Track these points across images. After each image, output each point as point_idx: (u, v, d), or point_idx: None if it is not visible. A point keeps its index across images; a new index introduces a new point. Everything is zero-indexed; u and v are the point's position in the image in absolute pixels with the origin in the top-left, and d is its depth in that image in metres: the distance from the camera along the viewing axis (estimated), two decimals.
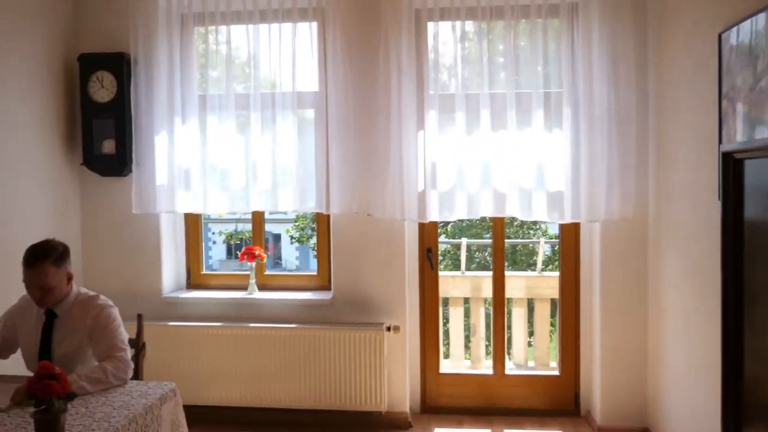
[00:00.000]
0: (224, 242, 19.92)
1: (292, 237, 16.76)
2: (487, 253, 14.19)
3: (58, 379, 2.13)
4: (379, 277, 4.26)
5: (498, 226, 4.48)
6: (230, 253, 20.28)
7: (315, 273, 4.62)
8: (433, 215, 4.06)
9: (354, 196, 4.11)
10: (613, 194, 3.88)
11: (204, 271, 4.71)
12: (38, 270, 2.72)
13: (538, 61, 3.94)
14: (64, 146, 4.29)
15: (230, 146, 4.19)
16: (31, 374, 2.90)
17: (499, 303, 4.50)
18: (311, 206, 4.18)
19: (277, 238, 19.71)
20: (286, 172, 4.18)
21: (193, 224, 4.67)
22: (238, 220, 18.79)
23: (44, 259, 2.73)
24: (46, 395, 2.09)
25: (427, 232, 4.45)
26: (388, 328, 4.21)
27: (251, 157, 4.16)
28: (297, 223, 16.28)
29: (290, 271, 18.98)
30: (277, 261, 20.27)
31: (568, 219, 3.96)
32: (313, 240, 15.94)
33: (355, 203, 4.12)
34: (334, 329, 4.17)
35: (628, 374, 4.10)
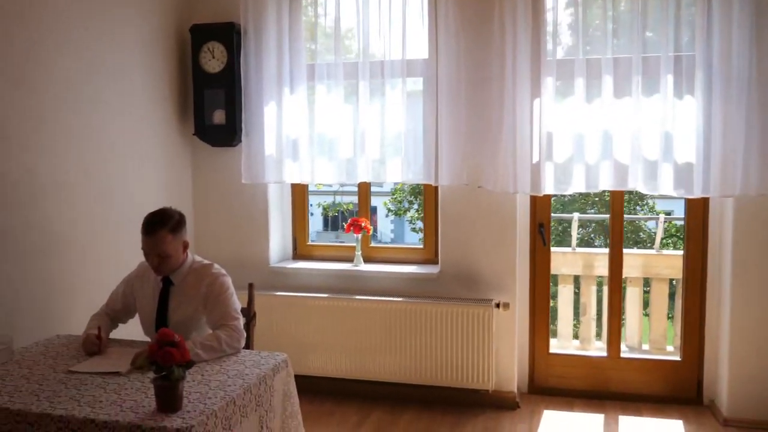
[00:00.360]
0: (322, 214, 20.19)
1: (389, 210, 16.76)
2: (590, 229, 13.68)
3: (178, 347, 2.12)
4: (489, 252, 4.11)
5: (617, 201, 4.20)
6: (326, 225, 20.57)
7: (421, 246, 4.52)
8: (548, 188, 3.85)
9: (464, 167, 3.96)
10: (751, 167, 3.54)
11: (309, 242, 4.70)
12: (156, 237, 2.75)
13: (668, 23, 3.61)
14: (177, 116, 4.36)
15: (338, 116, 4.12)
16: (148, 339, 2.98)
17: (616, 282, 4.25)
18: (419, 178, 4.06)
19: (373, 210, 19.80)
20: (394, 143, 4.08)
21: (300, 194, 4.66)
22: (335, 192, 18.98)
23: (162, 226, 2.76)
24: (167, 362, 2.09)
25: (540, 206, 4.25)
26: (498, 305, 4.06)
27: (359, 127, 4.08)
28: (394, 196, 16.26)
29: (385, 243, 19.06)
30: (372, 233, 20.37)
31: (697, 194, 3.65)
32: (410, 213, 15.96)
33: (465, 175, 3.97)
34: (441, 304, 4.07)
35: (762, 362, 3.78)
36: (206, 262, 2.97)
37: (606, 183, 3.78)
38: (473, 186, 3.98)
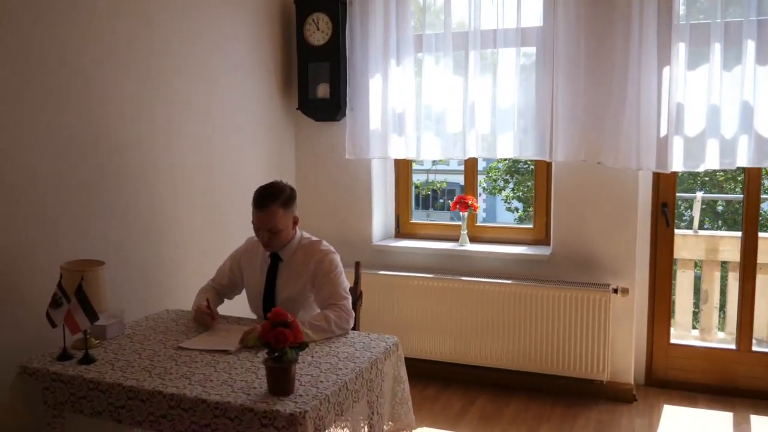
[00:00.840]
0: (414, 192, 19.97)
1: (484, 188, 16.41)
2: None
3: (291, 328, 2.02)
4: (606, 233, 3.83)
5: (754, 180, 3.81)
6: (417, 203, 20.40)
7: (529, 226, 4.29)
8: (676, 164, 3.52)
9: (582, 142, 3.68)
10: None
11: (412, 220, 4.55)
12: (267, 212, 2.66)
13: None
14: (280, 90, 4.29)
15: (446, 88, 3.93)
16: (255, 316, 2.92)
17: (749, 268, 3.87)
18: (532, 153, 3.81)
19: (463, 189, 19.39)
20: (505, 116, 3.85)
21: (403, 170, 4.51)
22: (428, 171, 18.75)
23: (273, 200, 2.67)
24: (279, 343, 1.99)
25: (663, 184, 3.92)
26: (615, 290, 3.78)
27: (468, 100, 3.87)
28: (489, 175, 15.87)
29: (482, 223, 18.64)
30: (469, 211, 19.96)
31: None
32: (505, 192, 15.54)
33: (583, 150, 3.69)
34: (553, 287, 3.83)
35: None
36: (315, 238, 2.87)
37: (743, 159, 3.42)
38: (592, 162, 3.70)
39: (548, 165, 4.01)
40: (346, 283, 2.80)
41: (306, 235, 2.89)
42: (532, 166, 4.57)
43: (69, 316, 2.26)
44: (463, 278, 4.03)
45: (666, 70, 3.47)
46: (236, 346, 2.46)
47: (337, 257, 2.82)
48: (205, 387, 2.10)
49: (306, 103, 4.25)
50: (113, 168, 3.04)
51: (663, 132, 3.49)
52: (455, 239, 4.28)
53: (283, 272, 2.81)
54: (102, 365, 2.30)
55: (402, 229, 4.54)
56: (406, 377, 2.65)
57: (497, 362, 4.01)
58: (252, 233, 2.83)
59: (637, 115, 3.50)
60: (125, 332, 2.65)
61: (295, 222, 2.79)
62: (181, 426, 2.05)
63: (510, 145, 3.84)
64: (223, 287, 2.99)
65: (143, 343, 2.53)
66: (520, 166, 14.45)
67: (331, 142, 4.33)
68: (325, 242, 2.85)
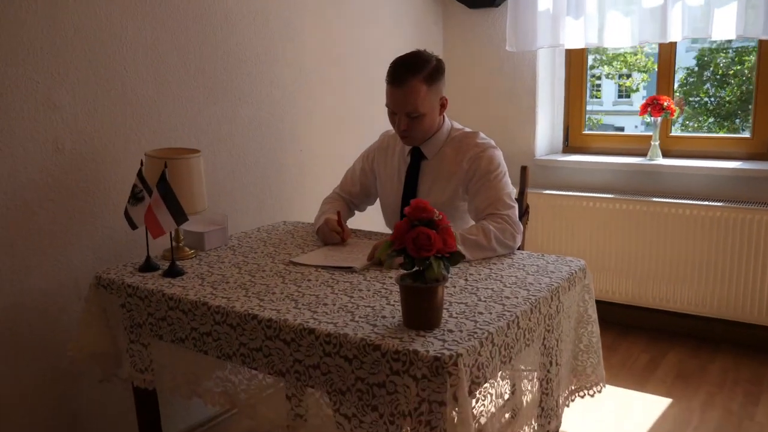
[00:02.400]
0: None
1: (648, 124, 14.74)
2: None
3: (439, 230, 1.34)
4: None
5: None
6: None
7: (746, 136, 3.31)
8: None
9: None
10: None
11: (586, 131, 3.70)
12: (406, 88, 1.98)
13: None
14: None
15: None
16: (391, 232, 2.28)
17: None
18: (761, 31, 2.82)
19: (620, 129, 17.63)
20: None
21: (577, 67, 3.64)
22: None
23: (414, 74, 1.98)
24: (422, 251, 1.32)
25: None
26: None
27: None
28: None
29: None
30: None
31: None
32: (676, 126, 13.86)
33: None
34: None
35: None
36: (468, 129, 2.17)
37: None
38: None
39: None
40: (511, 188, 2.08)
41: (457, 125, 2.19)
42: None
43: (150, 214, 1.73)
44: (654, 199, 3.18)
45: None
46: (363, 263, 1.84)
47: (499, 153, 2.11)
48: (315, 312, 1.49)
49: None
50: (226, 50, 2.47)
51: None
52: (640, 154, 3.42)
53: (428, 173, 2.14)
54: (190, 279, 1.76)
55: (572, 142, 3.71)
56: (595, 316, 1.91)
57: (695, 308, 3.17)
58: (388, 125, 2.17)
59: None
60: (228, 243, 2.12)
61: (443, 106, 2.09)
62: (281, 364, 1.46)
63: (731, 21, 2.87)
64: (353, 196, 2.37)
65: (247, 256, 1.97)
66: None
67: (487, 32, 3.57)
68: (482, 134, 2.14)
